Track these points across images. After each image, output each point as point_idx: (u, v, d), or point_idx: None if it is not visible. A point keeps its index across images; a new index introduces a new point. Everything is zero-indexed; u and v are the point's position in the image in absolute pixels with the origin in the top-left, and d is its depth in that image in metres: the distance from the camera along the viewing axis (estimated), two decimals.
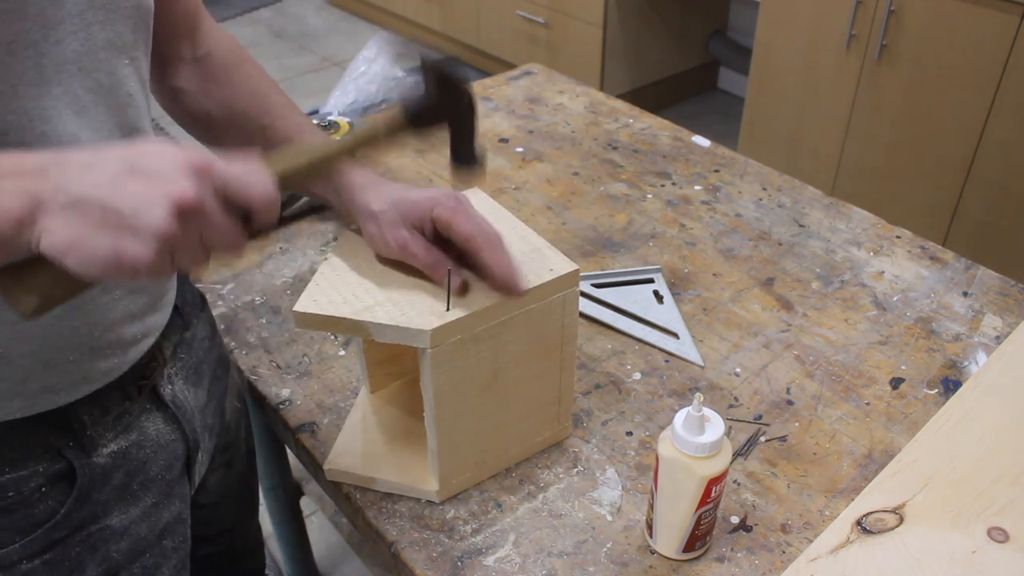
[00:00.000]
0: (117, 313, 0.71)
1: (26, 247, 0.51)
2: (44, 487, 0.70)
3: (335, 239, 1.19)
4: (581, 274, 0.80)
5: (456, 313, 0.72)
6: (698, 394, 0.70)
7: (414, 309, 0.73)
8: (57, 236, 0.50)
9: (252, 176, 0.54)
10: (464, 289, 0.75)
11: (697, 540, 0.76)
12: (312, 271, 1.13)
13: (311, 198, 1.20)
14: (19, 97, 0.58)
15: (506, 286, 0.73)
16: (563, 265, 0.78)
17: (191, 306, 0.87)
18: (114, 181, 0.50)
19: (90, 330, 0.68)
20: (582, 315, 1.04)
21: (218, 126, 0.84)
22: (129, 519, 0.76)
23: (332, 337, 1.03)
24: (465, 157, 0.72)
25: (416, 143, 0.68)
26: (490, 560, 0.78)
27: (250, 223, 0.55)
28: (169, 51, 0.82)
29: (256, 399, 0.98)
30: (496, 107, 1.54)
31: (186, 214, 0.50)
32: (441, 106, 0.69)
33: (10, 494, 0.68)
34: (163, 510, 0.80)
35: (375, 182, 0.79)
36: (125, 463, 0.75)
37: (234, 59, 0.85)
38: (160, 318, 0.77)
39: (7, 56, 0.56)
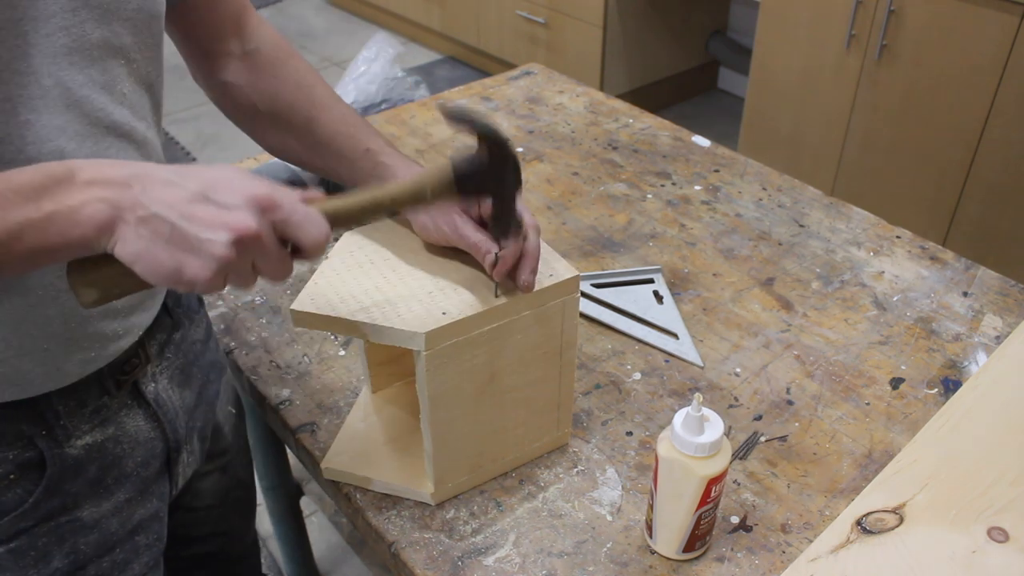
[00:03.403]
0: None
1: (100, 249, 0.56)
2: (13, 475, 0.70)
3: (335, 239, 1.19)
4: (581, 274, 0.80)
5: (452, 316, 0.72)
6: (698, 394, 0.70)
7: (411, 311, 0.73)
8: (129, 245, 0.55)
9: (309, 218, 0.58)
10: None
11: (697, 540, 0.76)
12: (312, 271, 1.13)
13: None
14: (4, 83, 0.59)
15: (524, 282, 0.73)
16: (564, 271, 0.77)
17: (185, 309, 0.87)
18: (188, 204, 0.55)
19: (65, 321, 0.68)
20: (582, 315, 1.04)
21: (264, 118, 0.85)
22: (100, 513, 0.76)
23: (332, 337, 1.03)
24: (503, 227, 0.72)
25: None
26: (490, 560, 0.78)
27: (298, 255, 0.60)
28: (216, 48, 0.84)
29: (256, 399, 0.98)
30: (496, 107, 1.54)
31: (244, 244, 0.55)
32: (490, 173, 0.69)
33: None
34: (137, 506, 0.80)
35: None
36: (100, 456, 0.75)
37: (281, 54, 0.87)
38: (144, 318, 0.77)
39: None
